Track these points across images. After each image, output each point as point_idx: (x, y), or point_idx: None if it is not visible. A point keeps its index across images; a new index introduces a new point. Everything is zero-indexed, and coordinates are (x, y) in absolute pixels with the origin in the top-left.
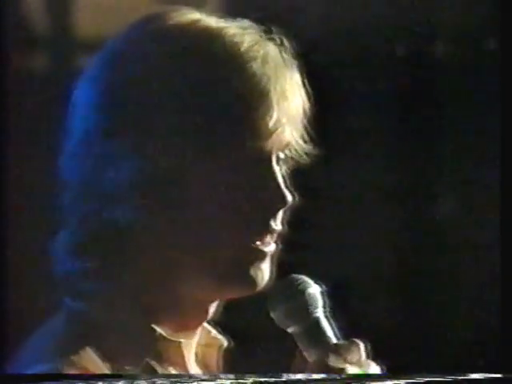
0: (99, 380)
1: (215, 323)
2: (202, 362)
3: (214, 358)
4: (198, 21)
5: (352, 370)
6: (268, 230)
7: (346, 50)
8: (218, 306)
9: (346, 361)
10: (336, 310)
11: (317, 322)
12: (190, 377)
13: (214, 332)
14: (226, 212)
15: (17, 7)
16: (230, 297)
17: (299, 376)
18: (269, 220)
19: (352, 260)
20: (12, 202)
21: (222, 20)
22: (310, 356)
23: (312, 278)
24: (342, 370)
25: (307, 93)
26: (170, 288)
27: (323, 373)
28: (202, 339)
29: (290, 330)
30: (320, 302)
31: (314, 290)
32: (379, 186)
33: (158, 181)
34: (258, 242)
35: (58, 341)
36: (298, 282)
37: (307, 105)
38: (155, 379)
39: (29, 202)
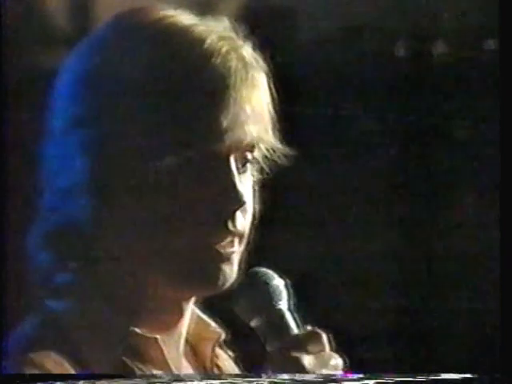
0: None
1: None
2: (195, 355)
3: (209, 351)
4: (168, 17)
5: (312, 360)
6: (226, 231)
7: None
8: None
9: (307, 351)
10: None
11: (280, 314)
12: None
13: (213, 325)
14: (183, 212)
15: (17, 7)
16: (195, 296)
17: (286, 376)
18: (226, 221)
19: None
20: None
21: (196, 17)
22: (271, 347)
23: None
24: (299, 360)
25: (273, 94)
26: (140, 286)
27: (283, 363)
28: (200, 332)
29: (252, 324)
30: (284, 295)
31: (278, 282)
32: (356, 185)
33: (114, 180)
34: (218, 244)
35: (31, 342)
36: (262, 274)
37: (273, 105)
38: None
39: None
